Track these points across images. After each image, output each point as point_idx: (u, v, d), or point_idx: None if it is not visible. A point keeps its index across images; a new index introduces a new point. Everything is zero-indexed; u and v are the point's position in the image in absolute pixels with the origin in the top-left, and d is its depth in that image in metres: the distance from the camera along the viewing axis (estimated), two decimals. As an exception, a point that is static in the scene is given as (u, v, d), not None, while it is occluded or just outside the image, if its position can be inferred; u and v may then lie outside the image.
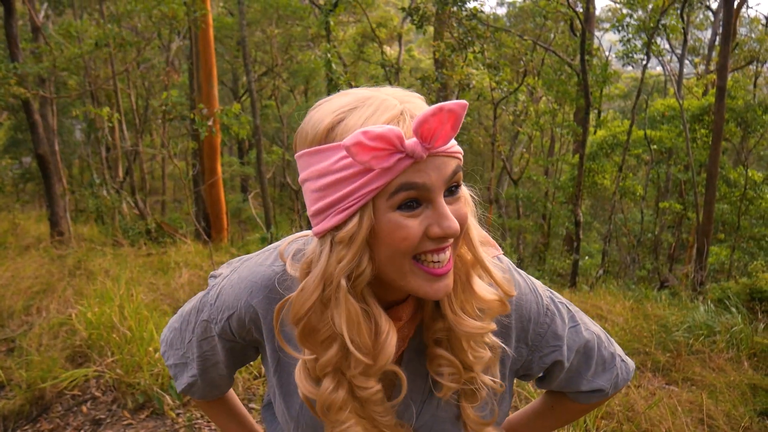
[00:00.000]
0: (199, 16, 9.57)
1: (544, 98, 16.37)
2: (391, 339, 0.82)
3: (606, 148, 14.04)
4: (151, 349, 3.58)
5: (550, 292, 1.05)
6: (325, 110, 0.81)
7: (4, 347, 4.28)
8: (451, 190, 0.81)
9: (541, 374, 1.09)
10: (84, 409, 3.38)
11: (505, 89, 11.45)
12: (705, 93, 15.60)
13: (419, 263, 0.80)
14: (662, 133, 13.63)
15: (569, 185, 13.31)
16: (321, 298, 0.81)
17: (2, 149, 20.48)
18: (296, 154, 0.84)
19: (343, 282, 0.79)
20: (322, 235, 0.81)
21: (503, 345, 0.94)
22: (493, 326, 0.88)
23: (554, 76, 13.31)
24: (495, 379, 0.93)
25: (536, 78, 13.87)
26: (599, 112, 15.00)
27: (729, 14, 9.68)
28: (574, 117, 14.85)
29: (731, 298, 6.03)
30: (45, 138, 9.10)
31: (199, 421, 3.24)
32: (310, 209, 0.81)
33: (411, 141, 0.74)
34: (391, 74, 12.39)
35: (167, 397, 3.33)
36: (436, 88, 10.00)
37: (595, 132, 14.54)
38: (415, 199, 0.78)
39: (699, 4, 17.49)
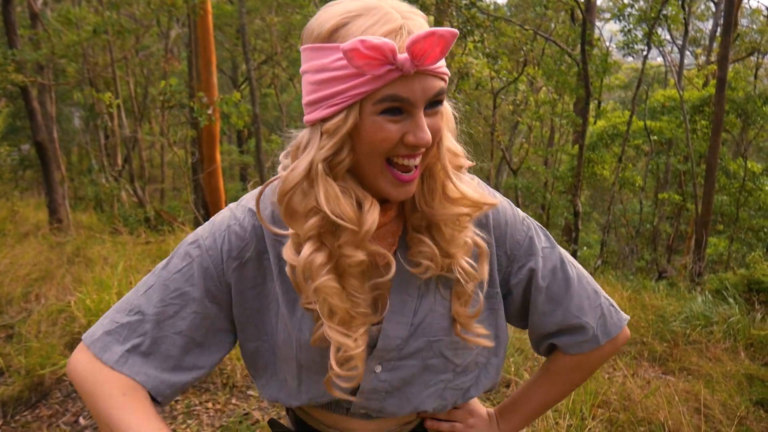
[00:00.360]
0: (198, 2, 9.52)
1: (544, 88, 16.33)
2: (373, 210, 0.89)
3: (606, 139, 14.03)
4: (149, 336, 3.58)
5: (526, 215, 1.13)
6: (332, 12, 0.87)
7: (3, 334, 4.28)
8: (432, 105, 0.88)
9: (521, 297, 1.09)
10: (83, 395, 3.39)
11: (505, 79, 11.41)
12: (705, 84, 15.58)
13: (390, 167, 0.89)
14: (662, 123, 13.61)
15: (568, 175, 13.30)
16: (306, 178, 0.88)
17: (1, 136, 20.43)
18: (301, 47, 0.91)
19: (322, 166, 0.87)
20: (312, 124, 0.89)
21: (482, 235, 1.00)
22: (466, 210, 0.95)
23: (554, 66, 13.27)
24: (472, 263, 0.98)
25: (536, 68, 13.83)
26: (599, 103, 14.97)
27: (730, 5, 9.64)
28: (573, 107, 14.82)
29: (729, 288, 6.05)
30: (43, 125, 9.07)
31: (198, 408, 3.25)
32: (305, 99, 0.89)
33: (403, 56, 0.81)
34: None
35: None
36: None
37: (595, 122, 14.52)
38: (399, 108, 0.85)
39: (700, -5, 17.44)
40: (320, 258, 0.89)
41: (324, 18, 0.86)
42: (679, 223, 15.42)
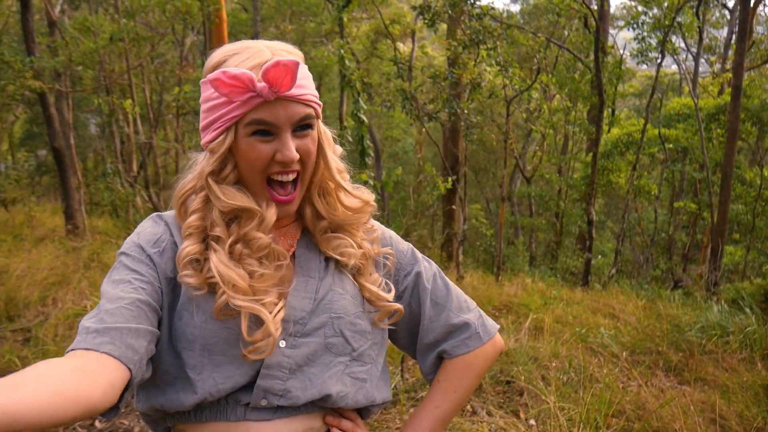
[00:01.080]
0: (213, 10, 9.60)
1: (557, 96, 16.29)
2: (270, 207, 1.04)
3: (620, 147, 13.95)
4: (164, 341, 3.61)
5: None
6: (219, 51, 1.04)
7: (20, 337, 4.33)
8: (301, 128, 1.02)
9: (409, 305, 1.21)
10: (98, 399, 3.41)
11: (517, 87, 11.39)
12: (721, 92, 15.46)
13: (269, 187, 1.04)
14: (677, 132, 13.52)
15: (582, 184, 13.25)
16: (194, 188, 1.06)
17: (18, 142, 20.68)
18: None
19: (210, 179, 1.03)
20: (204, 146, 1.05)
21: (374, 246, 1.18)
22: (365, 211, 1.15)
23: (567, 74, 13.23)
24: (381, 250, 1.18)
25: (549, 76, 13.80)
26: (613, 111, 14.91)
27: (745, 12, 9.59)
28: (587, 115, 14.77)
29: (745, 298, 5.98)
30: (61, 131, 9.18)
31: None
32: (200, 126, 1.06)
33: (261, 84, 0.95)
34: (404, 71, 12.38)
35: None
36: (447, 85, 9.97)
37: (608, 130, 14.46)
38: (266, 131, 0.99)
39: (715, 2, 17.35)
40: (195, 249, 1.02)
41: (212, 56, 1.04)
42: (694, 232, 15.29)
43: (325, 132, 1.10)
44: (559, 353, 4.31)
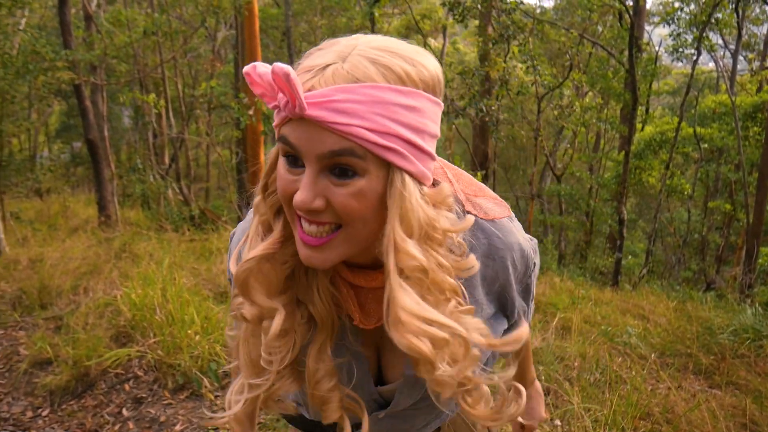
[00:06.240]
0: (244, 4, 9.67)
1: (590, 93, 16.07)
2: (256, 250, 0.80)
3: (654, 145, 13.71)
4: (191, 332, 3.65)
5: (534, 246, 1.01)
6: (324, 42, 0.79)
7: (52, 325, 4.42)
8: (339, 170, 0.72)
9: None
10: (126, 387, 3.47)
11: (548, 84, 11.27)
12: (759, 90, 15.08)
13: (299, 221, 0.77)
14: (712, 130, 13.25)
15: (614, 182, 13.06)
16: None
17: (54, 134, 21.12)
18: None
19: (260, 195, 0.82)
20: None
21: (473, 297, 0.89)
22: (418, 346, 0.74)
23: (599, 72, 13.04)
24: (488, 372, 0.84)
25: (581, 73, 13.62)
26: (647, 109, 14.66)
27: (787, 8, 9.34)
28: (620, 113, 14.54)
29: (781, 301, 5.84)
30: (95, 124, 9.35)
31: (237, 404, 3.29)
32: None
33: (281, 95, 0.70)
34: (435, 66, 12.29)
35: (205, 379, 3.40)
36: (477, 81, 9.91)
37: (642, 128, 14.22)
38: (295, 157, 0.74)
39: (755, -2, 16.91)
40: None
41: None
42: (729, 233, 14.97)
43: (410, 190, 0.73)
44: (586, 353, 4.26)
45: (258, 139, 11.06)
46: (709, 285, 10.35)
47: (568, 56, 13.36)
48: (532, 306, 1.06)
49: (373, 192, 0.72)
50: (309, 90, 0.70)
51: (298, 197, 0.71)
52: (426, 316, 0.73)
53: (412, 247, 0.72)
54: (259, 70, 0.71)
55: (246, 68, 0.72)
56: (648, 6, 19.25)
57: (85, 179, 19.03)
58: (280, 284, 0.81)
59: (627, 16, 10.26)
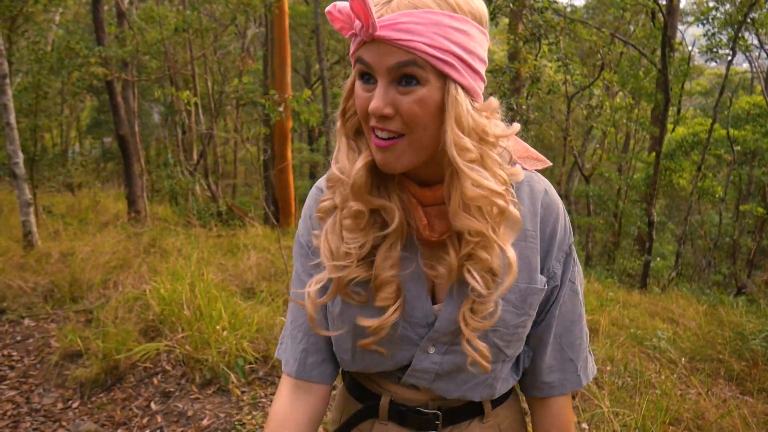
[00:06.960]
0: (274, 2, 9.72)
1: (620, 93, 15.86)
2: (359, 162, 0.92)
3: (685, 147, 13.48)
4: (218, 327, 3.68)
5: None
6: None
7: (83, 318, 4.49)
8: (404, 80, 0.85)
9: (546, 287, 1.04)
10: (155, 381, 3.51)
11: (578, 83, 11.13)
12: (795, 91, 14.74)
13: (373, 133, 0.89)
14: (746, 132, 12.98)
15: (643, 184, 12.87)
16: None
17: (86, 129, 21.47)
18: None
19: (340, 120, 0.96)
20: None
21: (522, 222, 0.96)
22: (499, 190, 0.88)
23: (631, 71, 12.85)
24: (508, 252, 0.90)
25: (612, 72, 13.44)
26: (678, 109, 14.41)
27: (827, 8, 9.10)
28: (651, 113, 14.32)
29: (815, 308, 5.70)
30: (126, 119, 9.47)
31: (263, 399, 3.31)
32: None
33: (357, 22, 0.84)
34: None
35: (232, 375, 3.42)
36: (508, 80, 9.82)
37: (673, 129, 13.99)
38: (369, 75, 0.88)
39: (793, -3, 16.51)
40: (328, 204, 0.98)
41: None
42: (761, 237, 14.66)
43: (463, 99, 0.86)
44: (614, 357, 4.20)
45: (286, 136, 11.11)
46: (740, 289, 10.14)
47: (599, 55, 13.18)
48: (581, 291, 1.09)
49: (432, 100, 0.86)
50: (378, 18, 0.83)
51: (373, 104, 0.85)
52: (487, 185, 0.87)
53: (468, 143, 0.86)
54: (339, 5, 0.86)
55: (327, 8, 0.87)
56: (681, 5, 18.92)
57: (114, 174, 19.32)
58: (369, 189, 0.95)
59: (660, 15, 10.10)
